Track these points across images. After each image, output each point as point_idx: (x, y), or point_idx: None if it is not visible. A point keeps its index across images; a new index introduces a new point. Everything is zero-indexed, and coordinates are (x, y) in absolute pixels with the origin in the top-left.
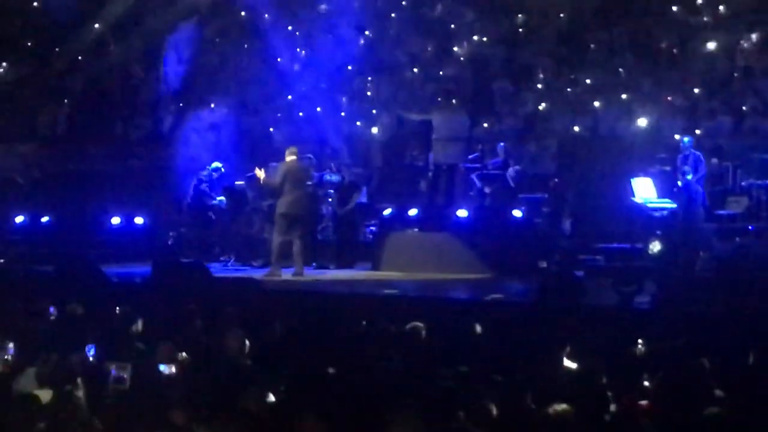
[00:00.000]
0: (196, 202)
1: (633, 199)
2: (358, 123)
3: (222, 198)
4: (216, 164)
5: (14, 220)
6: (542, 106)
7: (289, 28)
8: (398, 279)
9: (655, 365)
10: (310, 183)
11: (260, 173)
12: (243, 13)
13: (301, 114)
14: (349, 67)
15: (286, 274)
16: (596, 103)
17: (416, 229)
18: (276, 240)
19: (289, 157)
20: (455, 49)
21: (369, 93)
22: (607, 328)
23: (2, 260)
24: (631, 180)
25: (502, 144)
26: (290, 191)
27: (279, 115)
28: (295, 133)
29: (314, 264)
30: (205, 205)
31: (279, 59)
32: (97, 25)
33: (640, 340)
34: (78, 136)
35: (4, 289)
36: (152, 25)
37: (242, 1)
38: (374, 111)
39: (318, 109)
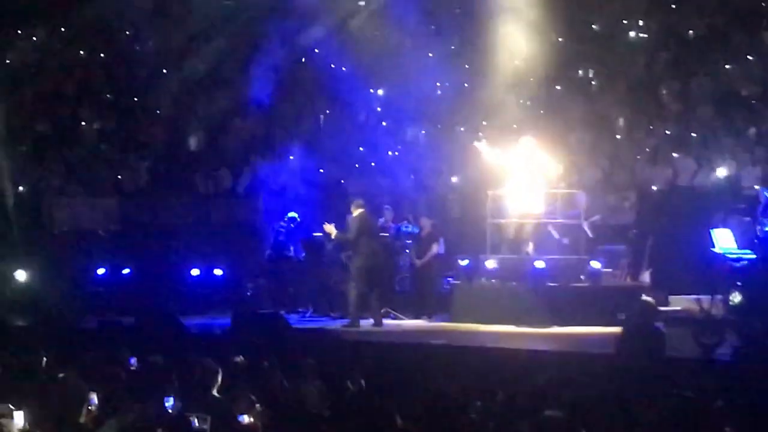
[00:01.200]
0: (274, 254)
1: (713, 249)
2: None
3: (293, 248)
4: (292, 214)
5: (96, 272)
6: (620, 156)
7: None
8: (475, 330)
9: (737, 418)
10: (385, 234)
11: (330, 228)
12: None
13: (374, 164)
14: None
15: (364, 326)
16: (675, 154)
17: (494, 280)
18: (353, 291)
19: (357, 210)
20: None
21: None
22: (688, 381)
23: (85, 312)
24: (711, 231)
25: (580, 194)
26: (366, 244)
27: (356, 165)
28: (371, 184)
29: (392, 315)
30: (283, 256)
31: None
32: (178, 79)
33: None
34: (159, 189)
35: (86, 340)
36: (230, 77)
37: (319, 54)
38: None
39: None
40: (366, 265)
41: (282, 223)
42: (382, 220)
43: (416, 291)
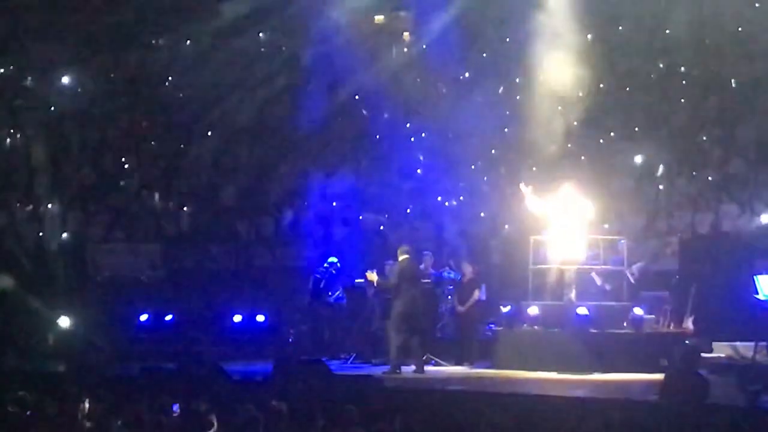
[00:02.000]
0: (314, 299)
1: (756, 296)
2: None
3: (338, 293)
4: (332, 259)
5: (139, 318)
6: (662, 202)
7: (407, 125)
8: (518, 377)
9: None
10: (427, 281)
11: (372, 276)
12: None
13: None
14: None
15: (406, 372)
16: (717, 200)
17: (536, 327)
18: (395, 338)
19: (402, 257)
20: (570, 145)
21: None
22: (733, 428)
23: (128, 358)
24: (755, 277)
25: (622, 241)
26: (407, 290)
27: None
28: (412, 230)
29: (433, 361)
30: (325, 302)
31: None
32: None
33: None
34: (201, 235)
35: (130, 386)
36: (273, 125)
37: (361, 100)
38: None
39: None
40: (406, 311)
41: (321, 269)
42: (422, 266)
43: (458, 337)
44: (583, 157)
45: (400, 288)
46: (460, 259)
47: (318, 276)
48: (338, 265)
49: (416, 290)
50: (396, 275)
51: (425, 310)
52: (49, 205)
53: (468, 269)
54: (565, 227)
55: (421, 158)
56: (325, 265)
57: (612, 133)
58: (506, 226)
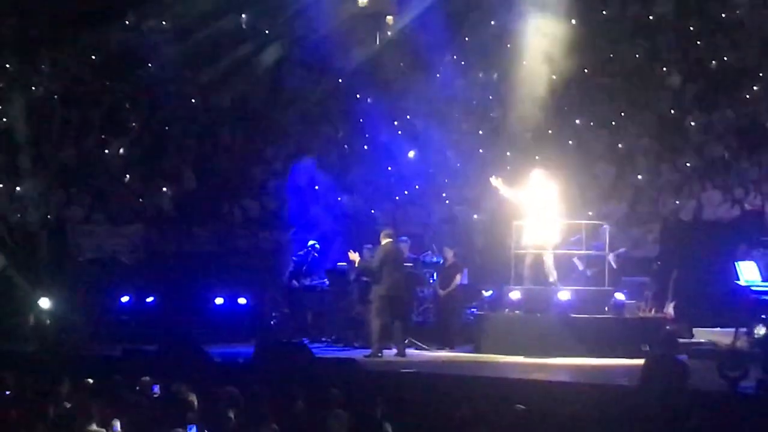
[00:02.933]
0: (292, 284)
1: (737, 282)
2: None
3: (309, 278)
4: (312, 242)
5: (120, 300)
6: (644, 189)
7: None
8: (499, 361)
9: None
10: (409, 264)
11: (354, 256)
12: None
13: (406, 192)
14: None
15: (388, 356)
16: (699, 187)
17: (517, 311)
18: (376, 321)
19: (385, 240)
20: (552, 131)
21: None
22: (713, 414)
23: (109, 339)
24: (736, 263)
25: (604, 226)
26: (389, 274)
27: (380, 195)
28: (396, 214)
29: (415, 345)
30: (308, 286)
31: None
32: (204, 109)
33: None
34: (183, 217)
35: (111, 367)
36: (257, 108)
37: (346, 84)
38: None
39: (417, 185)
40: (389, 295)
41: (301, 252)
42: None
43: (439, 321)
44: (570, 142)
45: (382, 272)
46: (442, 244)
47: (297, 259)
48: (318, 247)
49: (399, 274)
50: (378, 259)
51: (407, 294)
52: (31, 186)
53: (449, 254)
54: (547, 213)
55: (405, 142)
56: (306, 248)
57: (593, 121)
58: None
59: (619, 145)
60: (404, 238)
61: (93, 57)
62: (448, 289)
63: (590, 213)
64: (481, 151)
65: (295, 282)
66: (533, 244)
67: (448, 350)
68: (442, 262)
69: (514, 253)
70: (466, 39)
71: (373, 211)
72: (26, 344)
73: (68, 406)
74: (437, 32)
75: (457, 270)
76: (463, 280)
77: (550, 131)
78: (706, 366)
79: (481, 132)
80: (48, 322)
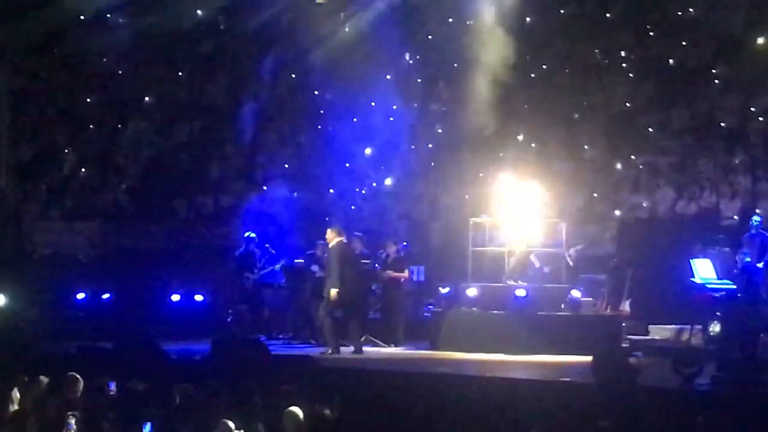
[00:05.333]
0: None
1: (693, 279)
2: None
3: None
4: (248, 233)
5: (76, 297)
6: (601, 186)
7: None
8: (455, 358)
9: None
10: (366, 261)
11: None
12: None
13: (364, 191)
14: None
15: (345, 353)
16: (655, 184)
17: (474, 308)
18: (329, 319)
19: (337, 239)
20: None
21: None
22: (668, 410)
23: (64, 336)
24: (691, 261)
25: (561, 224)
26: (342, 271)
27: (337, 192)
28: (354, 212)
29: (371, 343)
30: (261, 282)
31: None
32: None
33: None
34: (139, 214)
35: (66, 365)
36: (213, 104)
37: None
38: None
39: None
40: (343, 292)
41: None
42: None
43: (386, 318)
44: (519, 137)
45: (337, 269)
46: (391, 240)
47: (240, 253)
48: (254, 237)
49: (352, 271)
50: (336, 260)
51: (362, 292)
52: None
53: (391, 248)
54: (504, 210)
55: (363, 139)
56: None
57: (550, 119)
58: (445, 208)
59: (576, 142)
60: (358, 233)
61: (48, 54)
62: (390, 275)
63: (548, 213)
64: (437, 148)
65: (248, 275)
66: (499, 242)
67: (400, 347)
68: (384, 256)
69: (471, 251)
70: (429, 37)
71: (326, 210)
72: None
73: (24, 403)
74: (394, 32)
75: (401, 265)
76: (419, 276)
77: (506, 129)
78: (661, 363)
79: (440, 130)
80: (3, 319)
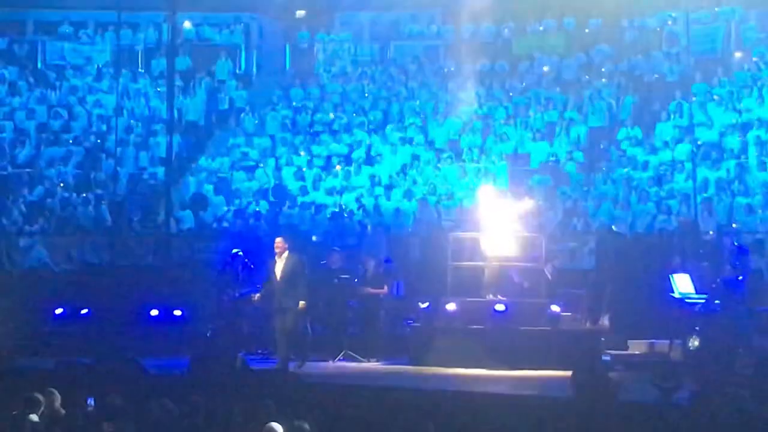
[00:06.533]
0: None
1: (672, 294)
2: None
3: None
4: (235, 250)
5: (54, 312)
6: (580, 201)
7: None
8: (434, 373)
9: None
10: (346, 276)
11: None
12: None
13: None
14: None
15: (323, 367)
16: (635, 198)
17: (454, 323)
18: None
19: (284, 253)
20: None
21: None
22: (646, 425)
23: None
24: (670, 276)
25: (540, 238)
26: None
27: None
28: (329, 226)
29: (348, 358)
30: (239, 297)
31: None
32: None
33: None
34: (118, 228)
35: (43, 380)
36: (194, 119)
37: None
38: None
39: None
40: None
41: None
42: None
43: (366, 331)
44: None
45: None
46: (378, 256)
47: (221, 269)
48: (241, 255)
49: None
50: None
51: (341, 306)
52: None
53: (370, 263)
54: (483, 225)
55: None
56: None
57: (529, 132)
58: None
59: (554, 157)
60: (335, 248)
61: (32, 65)
62: (370, 291)
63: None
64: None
65: (229, 292)
66: (478, 257)
67: (374, 361)
68: (363, 272)
69: (450, 266)
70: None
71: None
72: None
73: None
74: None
75: (380, 280)
76: (399, 291)
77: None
78: (640, 377)
79: (416, 141)
80: None
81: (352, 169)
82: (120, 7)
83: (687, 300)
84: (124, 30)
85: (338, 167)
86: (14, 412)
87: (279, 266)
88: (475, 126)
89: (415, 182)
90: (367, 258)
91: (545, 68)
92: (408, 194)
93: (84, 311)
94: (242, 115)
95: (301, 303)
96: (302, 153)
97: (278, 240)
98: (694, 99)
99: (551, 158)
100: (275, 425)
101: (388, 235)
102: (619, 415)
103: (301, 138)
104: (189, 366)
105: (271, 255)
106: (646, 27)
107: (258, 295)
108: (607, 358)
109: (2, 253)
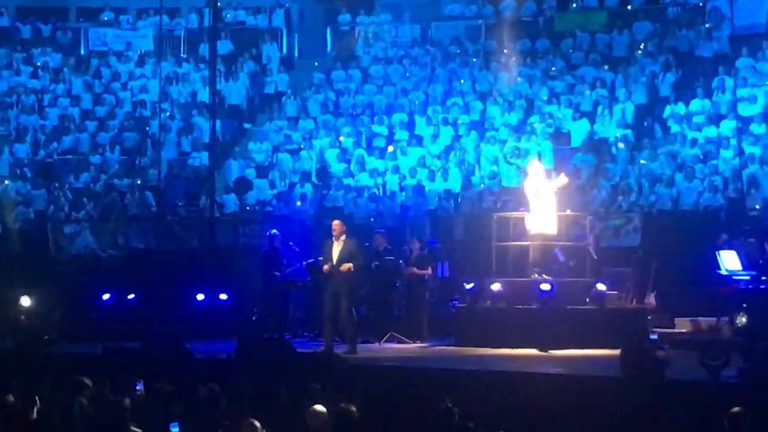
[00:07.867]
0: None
1: (719, 271)
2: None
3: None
4: (273, 231)
5: (101, 298)
6: (625, 178)
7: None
8: (480, 354)
9: None
10: (390, 258)
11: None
12: None
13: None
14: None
15: (369, 349)
16: (680, 176)
17: (499, 304)
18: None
19: (342, 236)
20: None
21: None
22: (694, 403)
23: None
24: (717, 252)
25: (587, 217)
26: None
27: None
28: (375, 208)
29: (396, 339)
30: (286, 280)
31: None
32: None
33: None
34: (162, 213)
35: (91, 366)
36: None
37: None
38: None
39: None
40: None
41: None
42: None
43: (410, 314)
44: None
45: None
46: (417, 237)
47: (265, 251)
48: (278, 234)
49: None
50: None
51: (386, 288)
52: (7, 182)
53: (415, 245)
54: (527, 204)
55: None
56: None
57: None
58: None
59: (598, 135)
60: (380, 230)
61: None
62: (414, 271)
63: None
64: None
65: (277, 274)
66: (522, 236)
67: (424, 343)
68: (409, 253)
69: (494, 245)
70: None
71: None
72: (3, 343)
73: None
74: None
75: (425, 261)
76: (444, 272)
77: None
78: (688, 355)
79: (460, 122)
80: (26, 320)
81: (395, 150)
82: None
83: (734, 277)
84: (165, 15)
85: (390, 148)
86: (64, 396)
87: (336, 249)
88: (517, 105)
89: (458, 163)
90: (412, 239)
91: (587, 45)
92: (451, 175)
93: (131, 297)
94: (284, 98)
95: (346, 265)
96: (345, 135)
97: (336, 223)
98: (738, 74)
99: (595, 136)
100: (320, 408)
101: (431, 217)
102: (667, 394)
103: (344, 120)
104: (235, 350)
105: (318, 237)
106: (689, 2)
107: (328, 266)
108: (654, 336)
109: (50, 240)
